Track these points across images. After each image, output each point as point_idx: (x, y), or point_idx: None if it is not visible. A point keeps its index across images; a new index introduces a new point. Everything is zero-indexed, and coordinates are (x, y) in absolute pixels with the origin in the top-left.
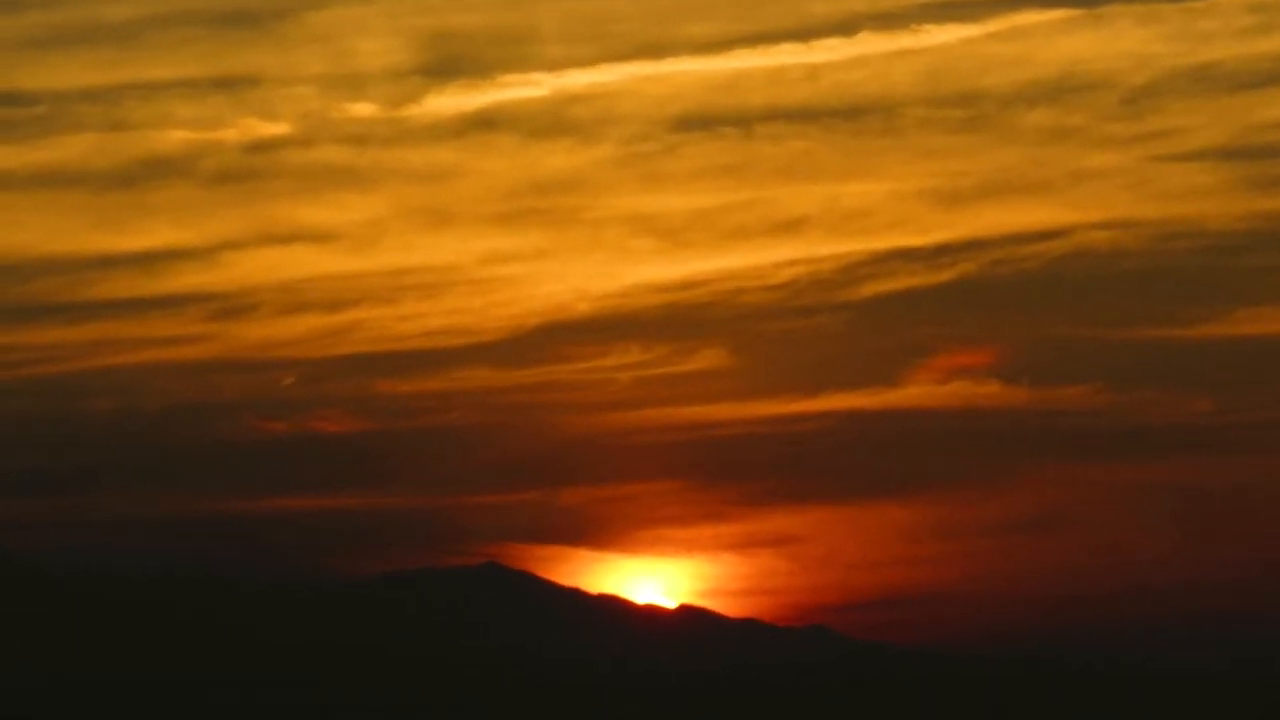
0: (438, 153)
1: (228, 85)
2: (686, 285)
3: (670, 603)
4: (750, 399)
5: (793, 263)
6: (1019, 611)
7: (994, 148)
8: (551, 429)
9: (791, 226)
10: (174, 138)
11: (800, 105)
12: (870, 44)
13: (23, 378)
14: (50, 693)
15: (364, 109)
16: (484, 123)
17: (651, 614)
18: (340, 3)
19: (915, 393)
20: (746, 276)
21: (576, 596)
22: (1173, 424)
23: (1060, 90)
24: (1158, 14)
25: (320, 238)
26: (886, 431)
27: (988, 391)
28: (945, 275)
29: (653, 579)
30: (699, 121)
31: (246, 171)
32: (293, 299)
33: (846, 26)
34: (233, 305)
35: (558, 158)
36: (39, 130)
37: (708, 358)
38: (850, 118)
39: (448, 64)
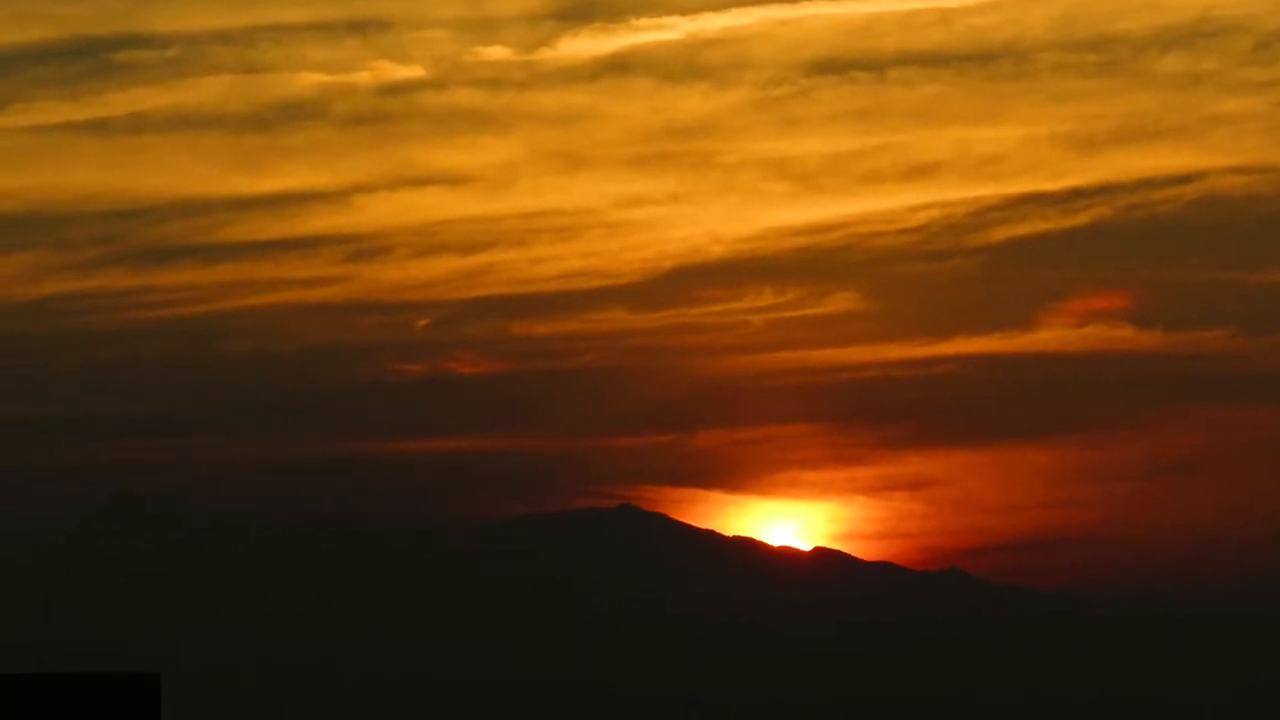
0: (571, 96)
1: (360, 28)
2: (820, 229)
3: (805, 545)
4: (884, 342)
5: (926, 207)
6: (1157, 555)
7: (1127, 92)
8: (686, 372)
9: (924, 171)
10: (307, 80)
11: (933, 50)
12: None
13: (159, 319)
14: (186, 636)
15: (497, 52)
16: (617, 66)
17: (787, 556)
18: None
19: (1049, 337)
20: (879, 220)
21: (712, 538)
22: None
23: (1194, 35)
24: None
25: (454, 181)
26: (1021, 375)
27: (1122, 335)
28: (1078, 220)
29: (788, 522)
30: (832, 66)
31: (380, 114)
32: (427, 241)
33: None
34: (367, 247)
35: (691, 102)
36: (172, 73)
37: (841, 301)
38: (983, 62)
39: (581, 7)
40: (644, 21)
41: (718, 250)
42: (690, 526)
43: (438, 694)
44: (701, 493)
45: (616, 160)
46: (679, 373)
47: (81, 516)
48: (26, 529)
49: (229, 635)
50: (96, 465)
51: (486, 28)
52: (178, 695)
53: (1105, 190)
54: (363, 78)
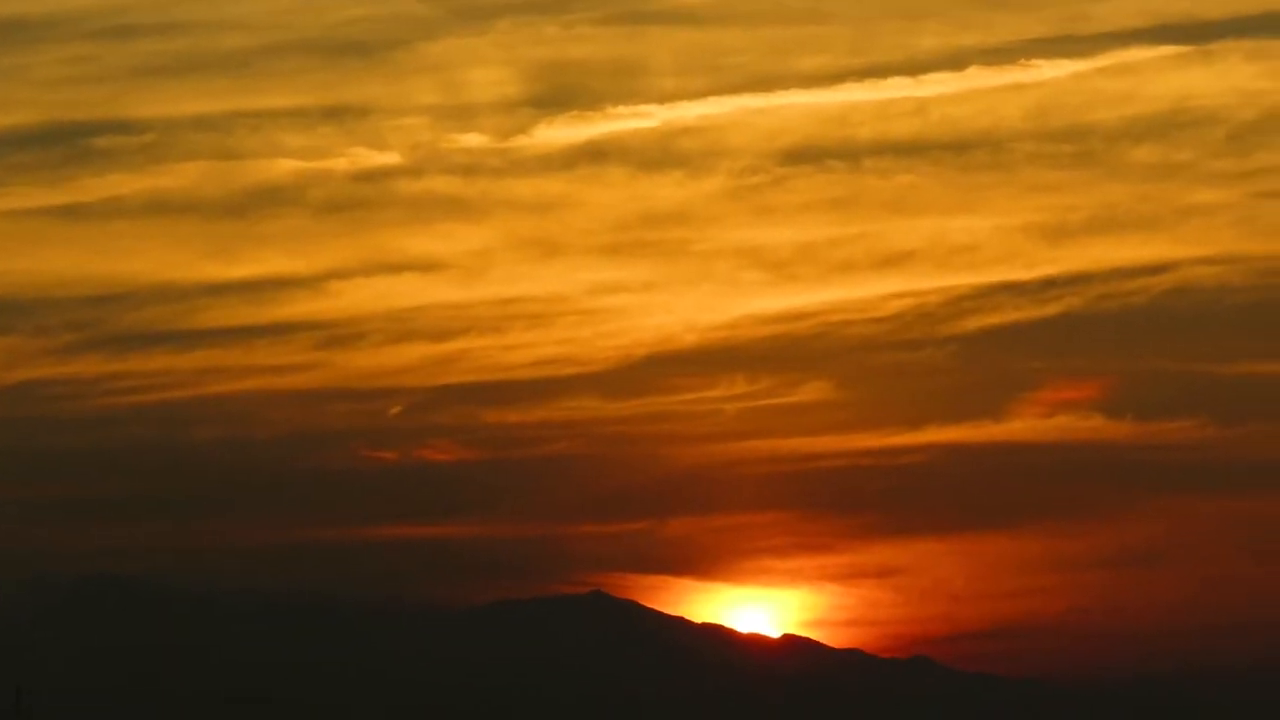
0: (547, 183)
1: (338, 115)
2: (793, 317)
3: (774, 632)
4: (855, 431)
5: (899, 296)
6: (1124, 644)
7: (1101, 183)
8: (658, 460)
9: (898, 260)
10: (284, 166)
11: (908, 139)
12: (979, 79)
13: (133, 405)
14: (156, 713)
15: (474, 139)
16: (593, 154)
17: (755, 643)
18: (452, 34)
19: (1020, 426)
20: (852, 309)
21: (681, 625)
22: (1278, 458)
23: (1168, 126)
24: (1267, 50)
25: (429, 267)
26: (991, 465)
27: (1092, 425)
28: (1050, 309)
29: (757, 609)
30: (807, 155)
31: (356, 201)
32: (401, 328)
33: (956, 61)
34: (341, 334)
35: (667, 190)
36: (150, 158)
37: (813, 390)
38: (958, 152)
39: (558, 95)
40: (621, 109)
41: (691, 338)
42: (660, 613)
43: None
44: (671, 580)
45: (591, 248)
46: (651, 460)
47: (52, 600)
48: (4, 612)
49: (204, 715)
50: (69, 550)
51: (463, 115)
52: None
53: (1077, 280)
54: (339, 164)
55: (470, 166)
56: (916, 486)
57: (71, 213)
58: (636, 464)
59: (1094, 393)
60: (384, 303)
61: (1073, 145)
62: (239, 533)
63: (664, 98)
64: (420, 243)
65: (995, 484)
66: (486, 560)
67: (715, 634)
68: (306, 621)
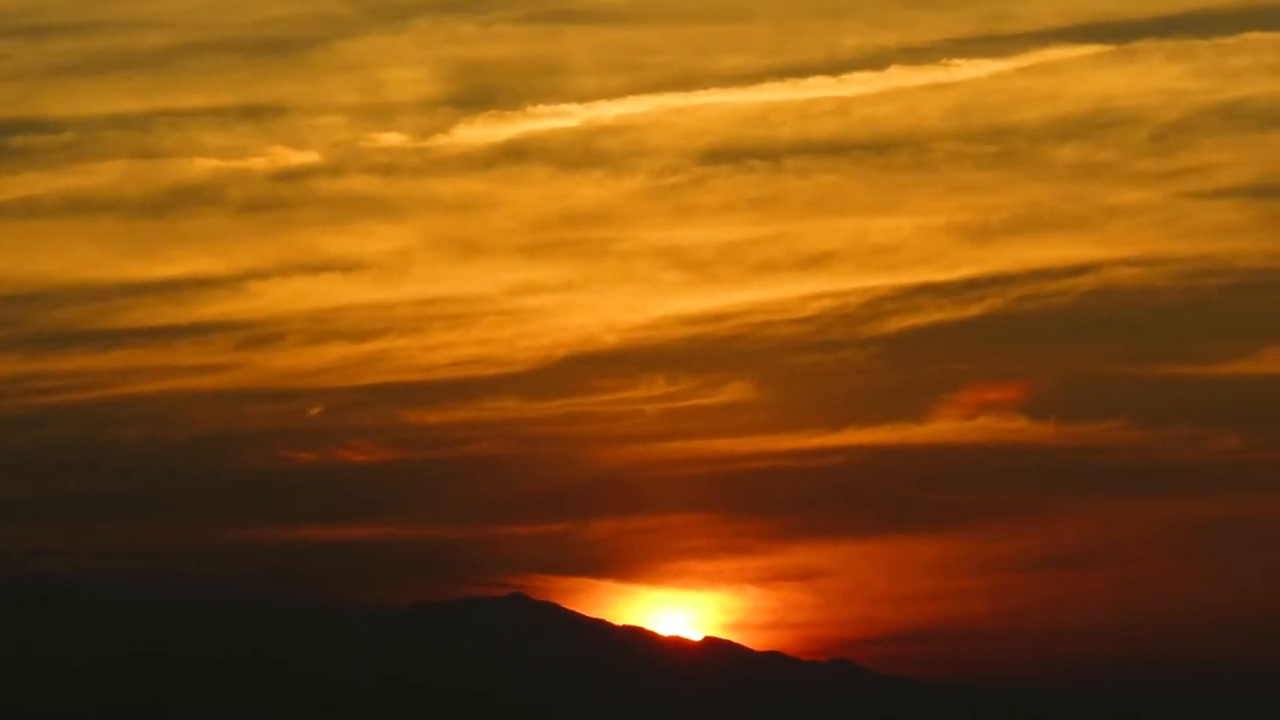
0: (467, 183)
1: (256, 114)
2: (714, 318)
3: (696, 635)
4: (776, 432)
5: (819, 296)
6: (1046, 647)
7: (1023, 183)
8: (578, 461)
9: (819, 260)
10: (203, 166)
11: (829, 139)
12: (900, 78)
13: (51, 405)
14: (82, 716)
15: (393, 139)
16: (514, 153)
17: (677, 646)
18: (370, 33)
19: (941, 428)
20: (773, 310)
21: (602, 628)
22: (1201, 461)
23: (1091, 126)
24: (1189, 50)
25: (349, 267)
26: (913, 467)
27: (1015, 427)
28: (972, 310)
29: (678, 611)
30: (728, 154)
31: (275, 200)
32: (321, 328)
33: (877, 60)
34: (260, 334)
35: (587, 189)
36: (67, 157)
37: (734, 391)
38: (879, 152)
39: (477, 94)
40: (541, 109)
41: (611, 339)
42: (580, 615)
43: None
44: (592, 582)
45: (511, 248)
46: (572, 462)
47: None
48: None
49: (129, 714)
50: None
51: (382, 114)
52: None
53: (999, 281)
54: (258, 163)
55: (390, 166)
56: (838, 488)
57: None
58: (557, 465)
59: (1017, 394)
60: (304, 303)
61: (995, 145)
62: (158, 534)
63: (584, 97)
64: (340, 242)
65: (917, 486)
66: (406, 561)
67: (636, 636)
68: (225, 623)
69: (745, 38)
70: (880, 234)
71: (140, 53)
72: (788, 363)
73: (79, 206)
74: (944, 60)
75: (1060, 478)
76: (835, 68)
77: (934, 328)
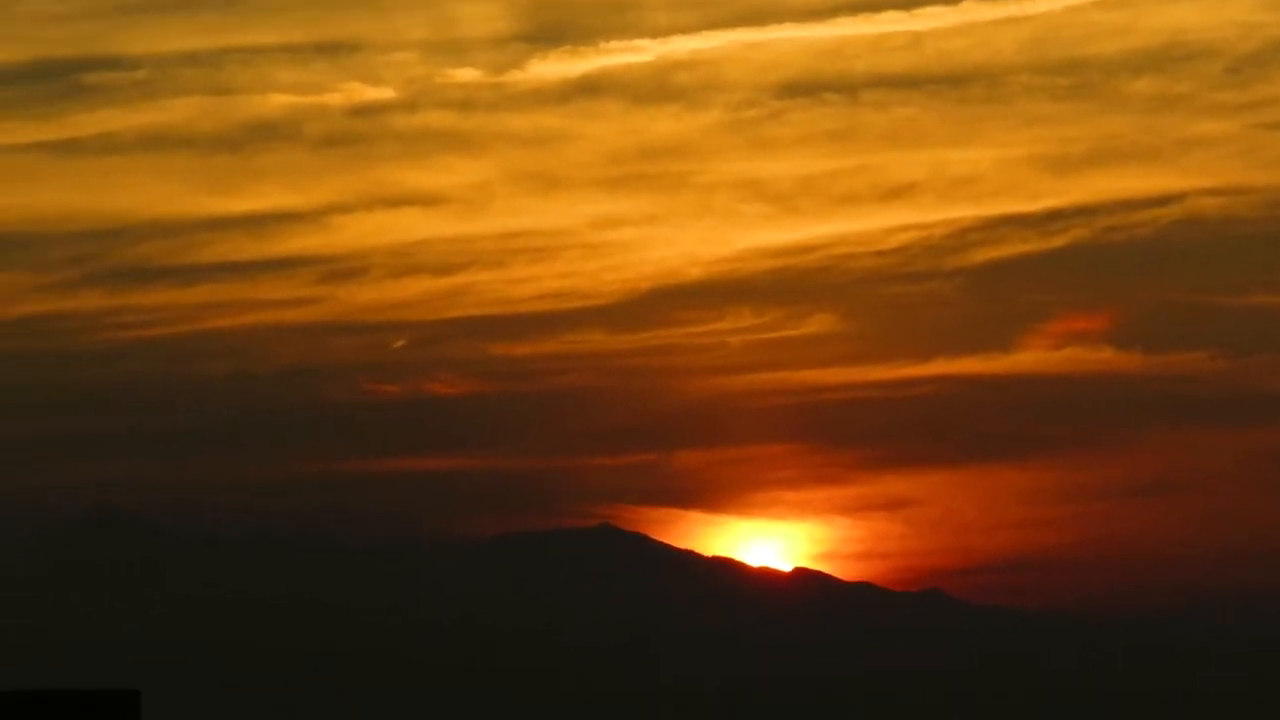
0: (543, 118)
1: (331, 50)
2: (797, 251)
3: (785, 566)
4: (863, 363)
5: (903, 228)
6: (1136, 575)
7: (1100, 115)
8: (664, 392)
9: (900, 192)
10: (278, 102)
11: (904, 73)
12: (974, 12)
13: (134, 340)
14: (158, 650)
15: (468, 74)
16: (588, 89)
17: (766, 577)
18: None
19: (1028, 358)
20: (857, 242)
21: (691, 559)
22: None
23: (1166, 59)
24: None
25: (429, 201)
26: (1000, 397)
27: (1100, 357)
28: (1056, 241)
29: (767, 542)
30: (804, 88)
31: (352, 135)
32: (403, 262)
33: None
34: (343, 268)
35: (663, 123)
36: (142, 94)
37: (820, 322)
38: (954, 85)
39: (550, 30)
40: (614, 44)
41: (695, 271)
42: (669, 547)
43: (414, 712)
44: (680, 513)
45: (590, 181)
46: (657, 393)
47: (56, 536)
48: (4, 545)
49: (206, 652)
50: (72, 485)
51: (456, 50)
52: (157, 712)
53: (1083, 212)
54: (334, 99)
55: (465, 101)
56: (926, 418)
57: (66, 148)
58: (643, 397)
59: (1102, 324)
60: (385, 237)
61: (1070, 78)
62: (241, 468)
63: (658, 32)
64: (419, 177)
65: (1005, 416)
66: (493, 494)
67: (725, 567)
68: (309, 556)
69: None
70: (960, 166)
71: None
72: (873, 294)
73: (156, 142)
74: None
75: (1146, 407)
76: (908, 2)
77: (1019, 259)
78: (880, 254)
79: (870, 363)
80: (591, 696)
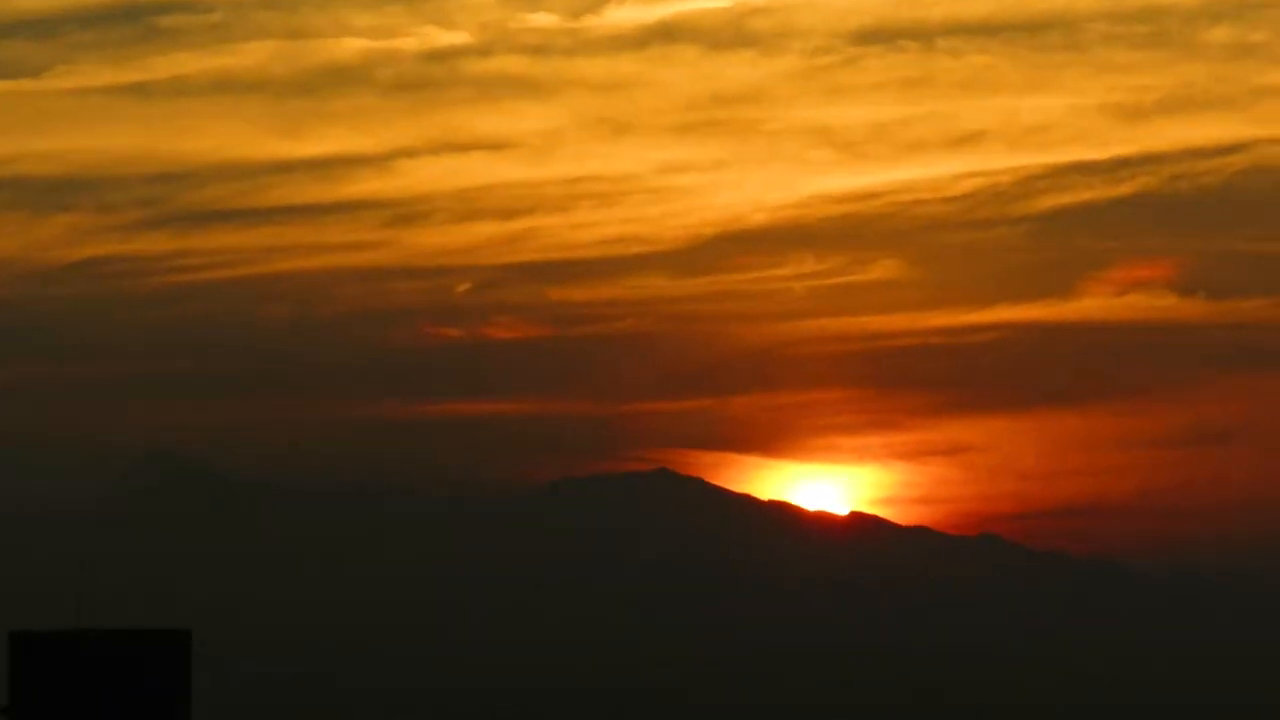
0: (617, 64)
1: None
2: (863, 197)
3: (842, 510)
4: (926, 310)
5: (970, 175)
6: (1195, 524)
7: (1175, 63)
8: (726, 337)
9: (970, 140)
10: (351, 46)
11: (981, 20)
12: None
13: (199, 282)
14: (220, 594)
15: (543, 19)
16: (664, 34)
17: (823, 521)
18: None
19: (1091, 305)
20: (923, 189)
21: (748, 502)
22: None
23: (1243, 7)
24: None
25: (497, 146)
26: (1061, 343)
27: (1164, 304)
28: (1123, 189)
29: (824, 486)
30: (879, 35)
31: (424, 80)
32: (468, 206)
33: None
34: (408, 212)
35: (737, 70)
36: (215, 37)
37: (883, 269)
38: (1031, 32)
39: None
40: None
41: (760, 217)
42: (726, 490)
43: (474, 649)
44: (737, 457)
45: (660, 127)
46: (718, 338)
47: (121, 475)
48: (66, 486)
49: (265, 591)
50: (137, 425)
51: None
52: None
53: (1151, 160)
54: (407, 44)
55: (539, 46)
56: (987, 365)
57: (138, 91)
58: (704, 342)
59: (1167, 272)
60: (451, 181)
61: (1147, 25)
62: (302, 411)
63: None
64: (488, 122)
65: (1066, 363)
66: (552, 437)
67: (782, 511)
68: (371, 499)
69: None
70: (1032, 113)
71: None
72: (938, 240)
73: (227, 86)
74: None
75: (1209, 355)
76: None
77: (1085, 206)
78: (947, 201)
79: (932, 309)
80: (650, 638)
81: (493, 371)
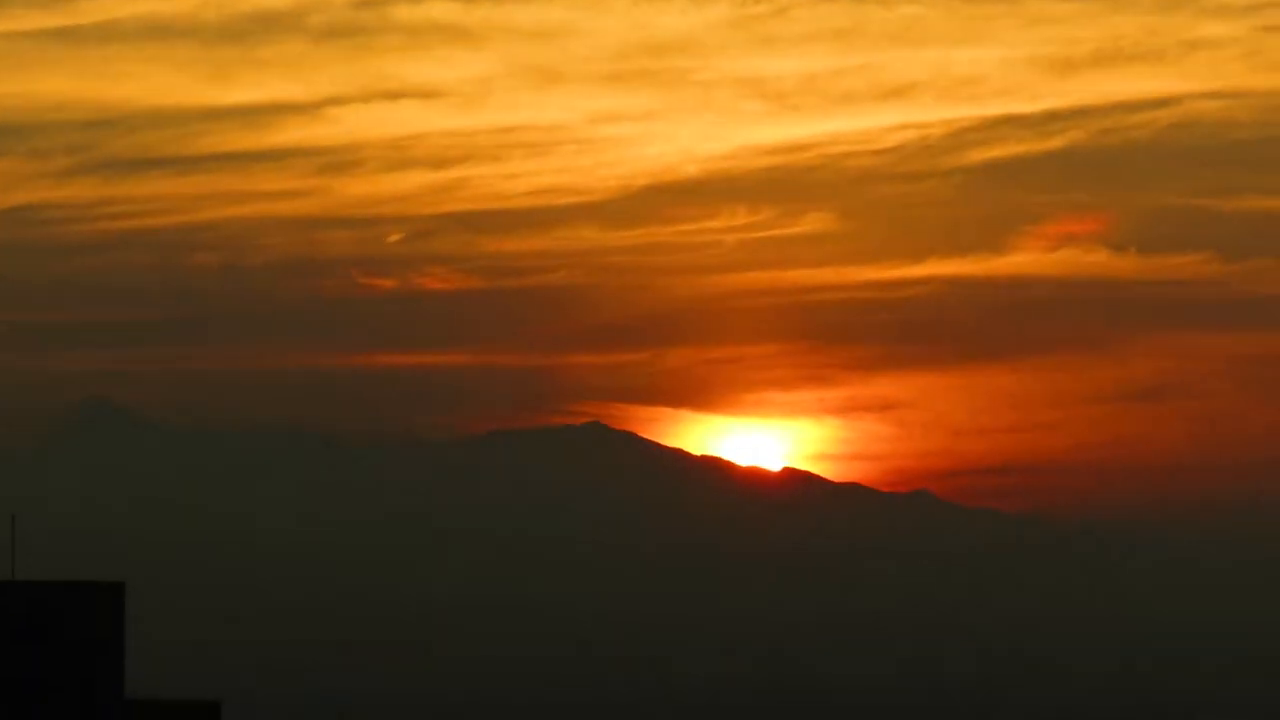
0: (548, 11)
1: None
2: (794, 149)
3: (775, 465)
4: (856, 264)
5: (901, 127)
6: (1125, 480)
7: (1106, 16)
8: (658, 290)
9: (900, 91)
10: None
11: None
12: None
13: (127, 230)
14: (148, 542)
15: None
16: None
17: (755, 476)
18: None
19: (1022, 260)
20: (854, 141)
21: (680, 457)
22: None
23: None
24: None
25: (428, 94)
26: (993, 298)
27: (1095, 260)
28: (1054, 143)
29: (757, 441)
30: None
31: (355, 27)
32: (400, 155)
33: None
34: (339, 160)
35: (669, 19)
36: None
37: (814, 221)
38: None
39: None
40: None
41: (691, 168)
42: (658, 445)
43: (402, 603)
44: (670, 411)
45: (591, 76)
46: (650, 291)
47: (50, 422)
48: None
49: (193, 541)
50: (67, 373)
51: None
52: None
53: (1081, 113)
54: None
55: None
56: (919, 320)
57: (68, 36)
58: (636, 295)
59: (1098, 227)
60: (383, 129)
61: None
62: (234, 358)
63: None
64: (420, 70)
65: (997, 318)
66: (484, 389)
67: (714, 466)
68: (301, 449)
69: None
70: (963, 65)
71: None
72: (869, 193)
73: (158, 31)
74: None
75: (1139, 311)
76: None
77: (1016, 160)
78: (877, 153)
79: (863, 263)
80: (579, 590)
81: (425, 322)
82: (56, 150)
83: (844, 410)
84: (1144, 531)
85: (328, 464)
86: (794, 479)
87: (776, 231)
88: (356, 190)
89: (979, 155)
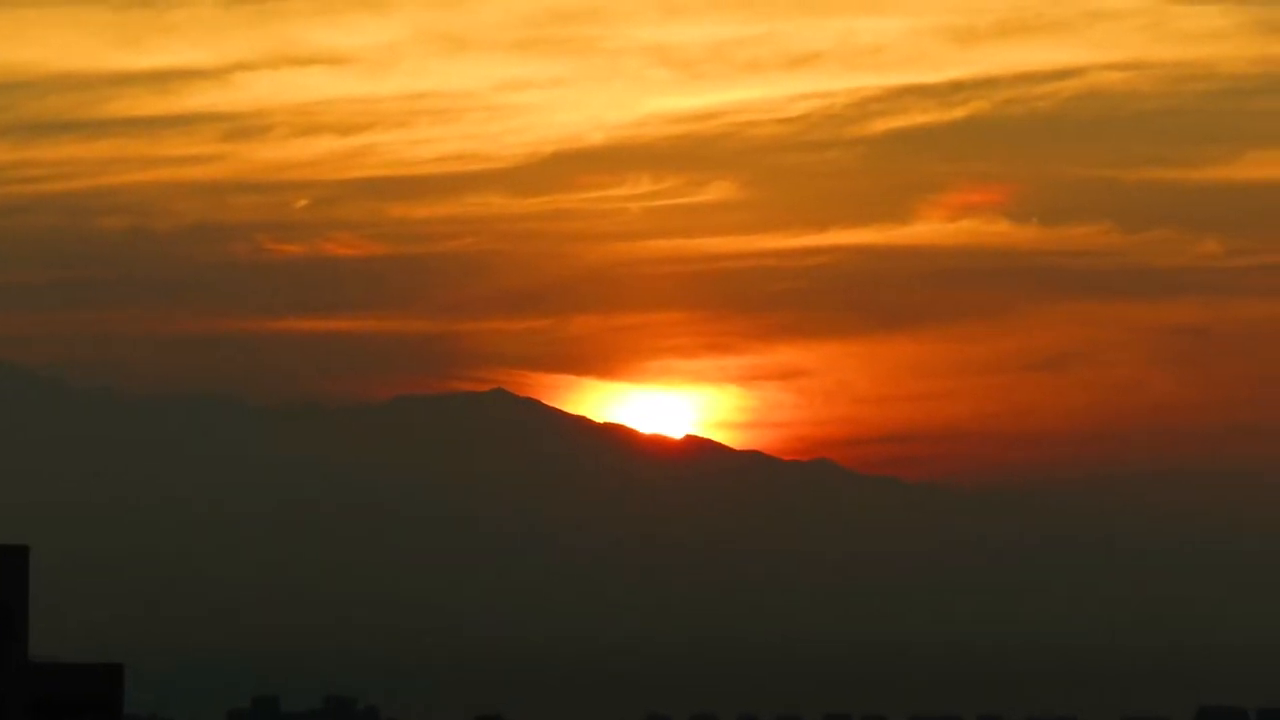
0: None
1: None
2: (700, 117)
3: (676, 433)
4: (760, 232)
5: (806, 96)
6: (1027, 449)
7: None
8: (563, 258)
9: (806, 60)
10: None
11: None
12: None
13: (36, 194)
14: (54, 506)
15: None
16: None
17: (657, 444)
18: None
19: (925, 229)
20: (759, 109)
21: (582, 424)
22: (1182, 265)
23: None
24: None
25: (336, 60)
26: (896, 267)
27: (997, 230)
28: (957, 113)
29: (659, 409)
30: None
31: None
32: (307, 121)
33: None
34: (246, 126)
35: None
36: None
37: (719, 189)
38: None
39: None
40: None
41: (598, 136)
42: (561, 412)
43: (309, 570)
44: (573, 378)
45: (499, 43)
46: (555, 258)
47: None
48: None
49: (99, 505)
50: None
51: None
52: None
53: (985, 83)
54: None
55: None
56: (821, 288)
57: None
58: (541, 262)
59: (1000, 197)
60: (290, 95)
61: None
62: (142, 323)
63: None
64: (327, 35)
65: (900, 287)
66: (389, 355)
67: (616, 434)
68: (207, 415)
69: None
70: (868, 34)
71: None
72: (773, 162)
73: None
74: None
75: (1041, 281)
76: None
77: (919, 129)
78: (782, 122)
79: (767, 231)
80: (482, 557)
81: (331, 288)
82: None
83: (746, 378)
84: (1043, 500)
85: (232, 428)
86: (696, 446)
87: (682, 200)
88: (264, 156)
89: (883, 125)
